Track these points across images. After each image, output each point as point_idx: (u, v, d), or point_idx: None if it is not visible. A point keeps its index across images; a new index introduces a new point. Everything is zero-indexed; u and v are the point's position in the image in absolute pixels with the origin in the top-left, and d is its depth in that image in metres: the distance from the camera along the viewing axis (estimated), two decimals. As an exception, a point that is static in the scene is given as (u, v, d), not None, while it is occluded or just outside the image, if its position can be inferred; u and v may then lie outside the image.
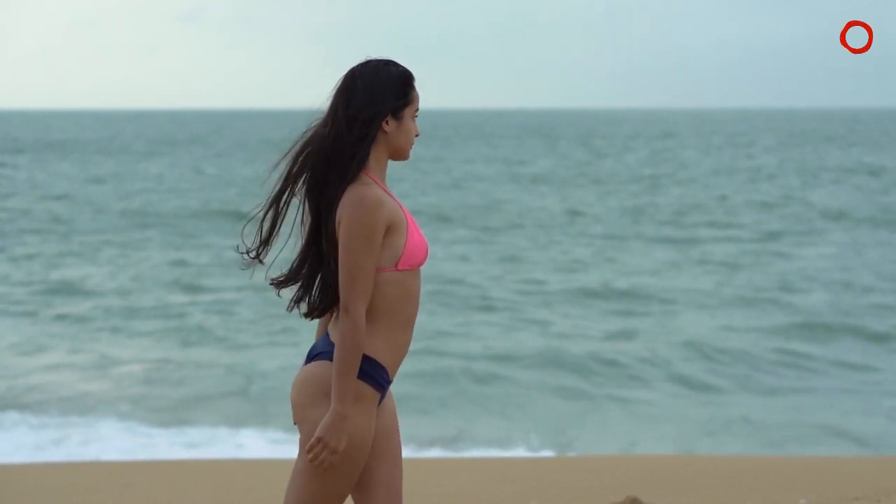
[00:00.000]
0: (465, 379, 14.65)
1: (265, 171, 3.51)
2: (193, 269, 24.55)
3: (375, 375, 3.40)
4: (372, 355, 3.39)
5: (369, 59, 3.51)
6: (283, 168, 3.51)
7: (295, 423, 3.43)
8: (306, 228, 3.49)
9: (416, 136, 3.49)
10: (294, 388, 3.44)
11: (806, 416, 12.98)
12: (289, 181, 3.50)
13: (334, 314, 3.50)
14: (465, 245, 28.73)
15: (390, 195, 3.42)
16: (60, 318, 18.82)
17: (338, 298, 3.45)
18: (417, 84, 3.51)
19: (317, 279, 3.52)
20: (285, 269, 3.52)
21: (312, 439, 3.31)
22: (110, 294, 21.09)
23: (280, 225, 3.53)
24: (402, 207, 3.43)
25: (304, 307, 3.55)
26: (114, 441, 11.55)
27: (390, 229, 3.36)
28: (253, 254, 3.54)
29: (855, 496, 6.90)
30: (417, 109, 3.51)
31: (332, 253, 3.44)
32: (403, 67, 3.52)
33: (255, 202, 3.55)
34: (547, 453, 11.33)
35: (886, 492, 6.93)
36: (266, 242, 3.54)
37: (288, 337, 17.06)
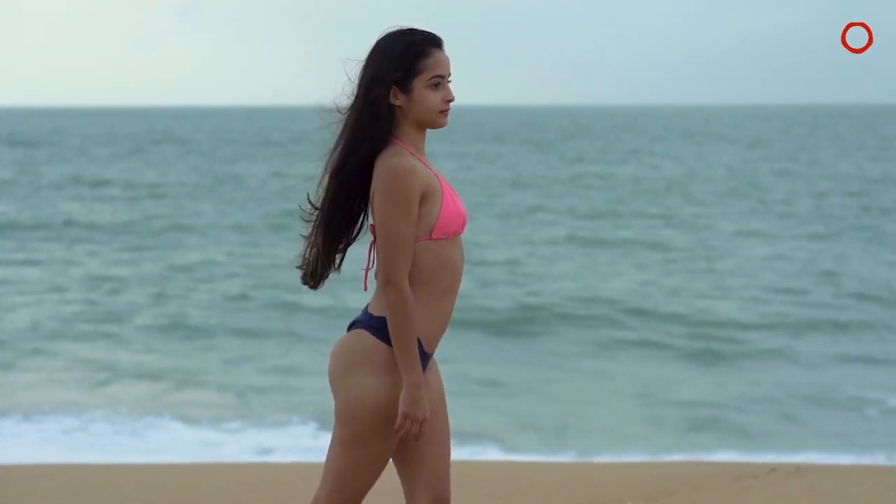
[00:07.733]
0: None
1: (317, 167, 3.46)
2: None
3: None
4: None
5: (390, 29, 3.40)
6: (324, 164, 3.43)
7: (333, 393, 3.41)
8: (327, 204, 3.41)
9: (450, 100, 3.37)
10: (330, 359, 3.42)
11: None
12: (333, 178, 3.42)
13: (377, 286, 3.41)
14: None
15: (425, 164, 3.35)
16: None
17: (327, 270, 3.46)
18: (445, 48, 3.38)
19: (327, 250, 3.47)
20: (303, 262, 3.49)
21: (399, 417, 3.25)
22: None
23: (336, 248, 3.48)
24: (437, 175, 3.35)
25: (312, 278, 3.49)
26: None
27: (425, 197, 3.29)
28: (307, 279, 3.50)
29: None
30: (439, 76, 3.34)
31: (348, 226, 3.42)
32: (418, 35, 3.37)
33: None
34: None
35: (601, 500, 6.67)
36: (321, 274, 3.49)
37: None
